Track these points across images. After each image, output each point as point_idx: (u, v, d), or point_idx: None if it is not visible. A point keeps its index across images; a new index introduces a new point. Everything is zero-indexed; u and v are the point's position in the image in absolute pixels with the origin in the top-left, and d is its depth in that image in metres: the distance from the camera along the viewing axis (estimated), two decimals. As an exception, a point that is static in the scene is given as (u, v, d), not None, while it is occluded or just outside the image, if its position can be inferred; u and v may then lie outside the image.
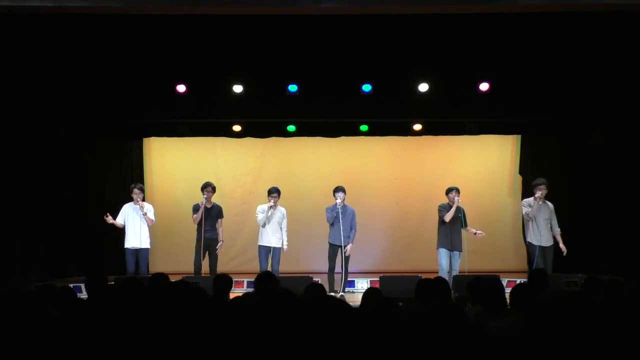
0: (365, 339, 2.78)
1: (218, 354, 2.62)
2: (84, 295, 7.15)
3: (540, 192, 9.24)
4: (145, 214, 9.46)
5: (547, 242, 9.32)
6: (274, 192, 9.57)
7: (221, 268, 9.46)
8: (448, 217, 9.39)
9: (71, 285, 5.58)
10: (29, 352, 2.80)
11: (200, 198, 9.73)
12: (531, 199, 9.39)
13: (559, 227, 9.43)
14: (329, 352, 2.46)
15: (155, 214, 9.69)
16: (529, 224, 9.36)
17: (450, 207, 9.41)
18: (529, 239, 9.42)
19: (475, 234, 9.66)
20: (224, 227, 9.90)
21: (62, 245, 10.36)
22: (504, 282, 8.58)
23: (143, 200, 9.64)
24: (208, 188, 9.68)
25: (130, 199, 9.59)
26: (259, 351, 2.54)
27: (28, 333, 2.84)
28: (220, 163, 12.06)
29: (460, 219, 9.44)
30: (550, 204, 9.44)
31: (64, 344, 2.92)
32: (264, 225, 9.59)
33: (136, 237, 9.46)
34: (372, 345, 2.77)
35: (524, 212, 9.46)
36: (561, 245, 9.36)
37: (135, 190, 9.53)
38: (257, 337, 2.58)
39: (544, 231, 9.30)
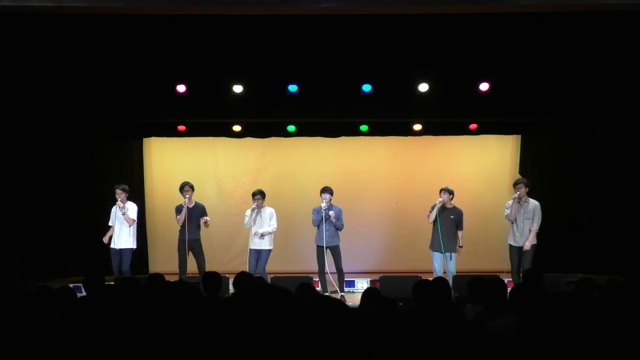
0: (364, 339, 2.78)
1: (216, 353, 2.62)
2: (84, 295, 7.15)
3: (518, 193, 9.15)
4: (124, 214, 9.42)
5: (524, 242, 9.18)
6: (257, 195, 9.57)
7: (221, 268, 9.43)
8: (430, 217, 9.36)
9: (71, 285, 5.57)
10: (28, 351, 2.80)
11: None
12: (511, 200, 9.33)
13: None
14: (329, 352, 2.46)
15: (138, 213, 9.66)
16: (510, 226, 9.27)
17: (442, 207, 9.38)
18: (507, 240, 9.34)
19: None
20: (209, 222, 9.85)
21: (62, 245, 10.36)
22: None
23: (127, 200, 9.59)
24: (186, 187, 9.66)
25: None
26: (257, 351, 2.54)
27: (27, 333, 2.84)
28: (220, 163, 12.05)
29: (453, 221, 9.35)
30: (533, 202, 9.26)
31: (63, 344, 2.92)
32: (250, 228, 9.60)
33: (117, 237, 9.46)
34: (372, 345, 2.77)
35: (505, 215, 9.33)
36: (527, 242, 9.07)
37: (117, 191, 9.48)
38: (255, 337, 2.57)
39: (524, 231, 9.17)
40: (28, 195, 9.57)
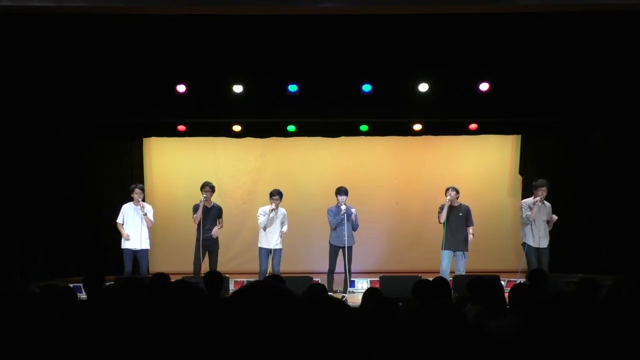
0: (365, 338, 2.78)
1: (218, 353, 2.62)
2: (84, 295, 7.14)
3: (541, 195, 9.22)
4: (145, 215, 9.42)
5: (544, 243, 9.29)
6: (275, 195, 9.50)
7: (221, 268, 9.45)
8: (441, 218, 9.41)
9: (71, 285, 5.57)
10: (29, 351, 2.80)
11: (197, 198, 9.76)
12: (530, 200, 9.34)
13: (557, 227, 9.44)
14: (329, 351, 2.46)
15: (154, 215, 9.67)
16: (527, 226, 9.32)
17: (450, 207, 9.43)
18: (524, 240, 9.39)
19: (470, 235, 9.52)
20: (223, 225, 9.90)
21: (62, 245, 10.36)
22: (504, 282, 8.60)
23: (143, 200, 9.61)
24: (206, 187, 9.65)
25: (130, 199, 9.57)
26: (258, 351, 2.54)
27: (28, 333, 2.83)
28: (220, 163, 12.04)
29: (462, 218, 9.42)
30: (548, 204, 9.40)
31: (64, 344, 2.92)
32: (265, 228, 9.57)
33: (136, 238, 9.41)
34: (372, 345, 2.77)
35: (523, 215, 9.37)
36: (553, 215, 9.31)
37: (136, 190, 9.48)
38: (256, 337, 2.57)
39: (542, 232, 9.27)
40: (28, 195, 9.56)
